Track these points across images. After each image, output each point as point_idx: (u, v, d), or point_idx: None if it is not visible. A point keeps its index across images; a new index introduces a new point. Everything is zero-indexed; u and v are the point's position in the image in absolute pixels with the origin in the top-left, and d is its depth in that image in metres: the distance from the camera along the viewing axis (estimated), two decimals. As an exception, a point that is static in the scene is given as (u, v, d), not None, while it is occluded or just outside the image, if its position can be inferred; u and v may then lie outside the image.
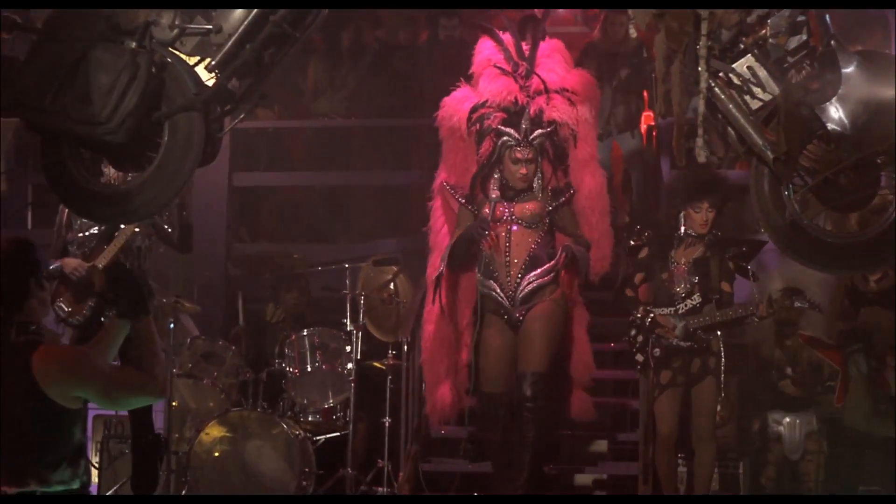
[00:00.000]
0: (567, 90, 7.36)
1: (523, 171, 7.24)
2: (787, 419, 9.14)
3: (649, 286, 7.79)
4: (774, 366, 9.19)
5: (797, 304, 7.68)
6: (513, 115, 7.29)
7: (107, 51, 5.17)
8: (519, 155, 7.23)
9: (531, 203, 7.33)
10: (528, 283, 7.24)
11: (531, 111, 7.26)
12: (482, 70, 7.51)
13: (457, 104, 7.47)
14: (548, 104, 7.30)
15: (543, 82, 7.33)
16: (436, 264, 7.52)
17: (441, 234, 7.66)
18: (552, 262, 7.27)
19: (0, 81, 5.18)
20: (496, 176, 7.35)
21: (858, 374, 8.67)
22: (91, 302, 7.79)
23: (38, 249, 4.71)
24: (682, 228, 7.59)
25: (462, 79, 7.58)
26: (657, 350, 7.55)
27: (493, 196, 7.30)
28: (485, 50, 7.58)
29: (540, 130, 7.26)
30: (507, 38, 7.57)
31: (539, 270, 7.26)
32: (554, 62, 7.49)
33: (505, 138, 7.25)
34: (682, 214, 7.60)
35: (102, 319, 7.66)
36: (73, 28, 5.22)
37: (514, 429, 7.08)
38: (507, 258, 7.28)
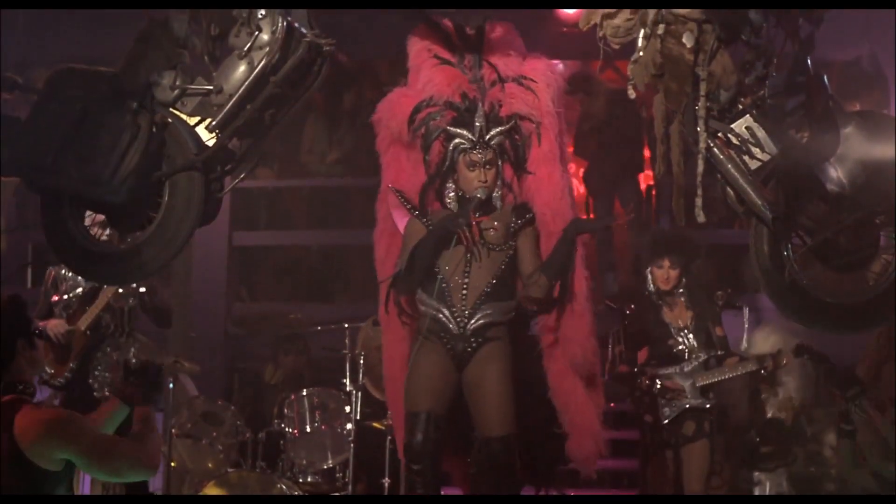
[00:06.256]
0: (525, 77, 6.33)
1: (483, 177, 6.19)
2: (758, 478, 9.12)
3: (647, 349, 7.86)
4: (747, 426, 9.18)
5: (807, 357, 7.83)
6: (463, 112, 6.27)
7: (108, 111, 5.20)
8: (475, 158, 6.18)
9: (495, 220, 6.29)
10: (485, 315, 6.21)
11: (485, 106, 6.26)
12: (421, 62, 6.46)
13: (394, 106, 6.45)
14: (504, 96, 6.31)
15: (496, 69, 6.33)
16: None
17: (381, 256, 6.64)
18: (513, 301, 6.30)
19: (1, 141, 5.20)
20: (450, 186, 6.32)
21: (862, 419, 8.62)
22: (73, 364, 7.76)
23: (28, 308, 4.71)
24: (651, 286, 7.74)
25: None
26: (666, 409, 7.60)
27: (477, 195, 6.19)
28: (419, 40, 6.51)
29: (498, 128, 6.25)
30: (447, 24, 6.49)
31: (500, 305, 6.24)
32: (506, 46, 6.44)
33: (457, 140, 6.23)
34: (648, 271, 7.79)
35: (95, 392, 7.67)
36: (74, 88, 5.25)
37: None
38: (466, 281, 6.21)
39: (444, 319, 6.23)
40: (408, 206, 6.39)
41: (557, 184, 6.35)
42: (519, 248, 6.31)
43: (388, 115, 6.44)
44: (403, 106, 6.38)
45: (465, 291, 6.22)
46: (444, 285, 6.23)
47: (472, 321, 6.20)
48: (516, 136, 6.31)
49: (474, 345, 6.22)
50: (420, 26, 6.49)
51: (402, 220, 6.47)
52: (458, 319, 6.21)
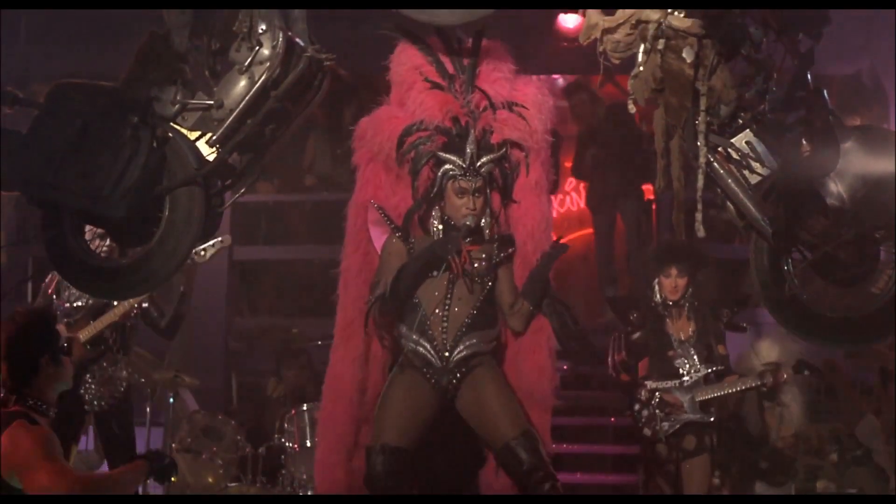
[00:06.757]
0: (516, 104, 6.22)
1: (471, 205, 6.09)
2: (765, 491, 9.12)
3: (648, 361, 7.85)
4: (756, 439, 9.18)
5: (806, 373, 7.86)
6: (454, 137, 6.15)
7: (109, 126, 5.18)
8: (465, 185, 6.08)
9: (482, 251, 6.20)
10: (468, 346, 6.13)
11: (476, 132, 6.14)
12: (411, 82, 6.34)
13: (382, 123, 6.34)
14: (495, 122, 6.19)
15: (487, 96, 6.22)
16: (349, 303, 6.48)
17: (350, 272, 6.60)
18: (494, 330, 6.25)
19: (1, 156, 5.19)
20: (434, 213, 6.23)
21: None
22: None
23: (55, 324, 4.69)
24: (658, 296, 7.73)
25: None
26: (665, 424, 7.59)
27: (465, 222, 6.11)
28: (408, 59, 6.38)
29: (489, 155, 6.15)
30: (434, 43, 6.36)
31: (481, 334, 6.17)
32: (497, 70, 6.31)
33: (447, 167, 6.11)
34: (655, 282, 7.76)
35: (86, 406, 7.64)
36: (75, 103, 5.24)
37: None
38: (447, 312, 6.15)
39: (423, 353, 6.15)
40: (391, 226, 6.29)
41: (542, 214, 6.33)
42: (499, 278, 6.26)
43: (372, 131, 6.34)
44: (393, 126, 6.28)
45: (445, 324, 6.14)
46: (426, 322, 6.13)
47: (455, 353, 6.13)
48: (506, 165, 6.24)
49: (459, 376, 6.15)
50: (408, 42, 6.38)
51: (379, 238, 6.39)
52: (440, 352, 6.14)
